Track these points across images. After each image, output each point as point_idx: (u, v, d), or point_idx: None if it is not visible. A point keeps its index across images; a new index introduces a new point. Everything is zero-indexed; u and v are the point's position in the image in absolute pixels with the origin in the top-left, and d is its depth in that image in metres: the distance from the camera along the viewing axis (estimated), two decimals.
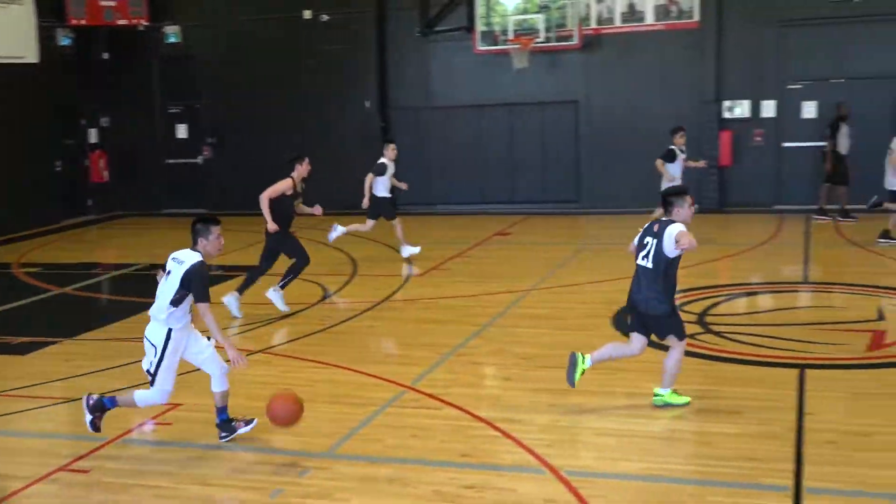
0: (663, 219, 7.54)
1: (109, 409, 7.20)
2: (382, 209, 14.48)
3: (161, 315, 6.89)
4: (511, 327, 10.59)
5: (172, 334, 6.90)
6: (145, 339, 7.01)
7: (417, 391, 8.32)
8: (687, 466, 6.67)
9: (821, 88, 18.22)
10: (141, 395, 7.12)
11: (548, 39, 18.86)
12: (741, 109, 18.63)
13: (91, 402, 7.16)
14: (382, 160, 14.48)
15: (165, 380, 6.97)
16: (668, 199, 7.52)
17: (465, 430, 7.36)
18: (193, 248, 6.99)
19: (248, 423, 7.23)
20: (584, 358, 7.69)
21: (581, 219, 19.24)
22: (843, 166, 16.75)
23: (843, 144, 16.76)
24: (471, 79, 20.12)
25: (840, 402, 7.69)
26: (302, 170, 11.50)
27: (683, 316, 10.41)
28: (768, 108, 18.51)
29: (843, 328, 9.81)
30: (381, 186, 14.43)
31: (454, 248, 15.58)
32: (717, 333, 9.86)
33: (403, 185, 15.08)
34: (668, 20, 18.85)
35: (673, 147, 14.98)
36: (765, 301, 11.65)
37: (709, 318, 10.46)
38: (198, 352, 7.11)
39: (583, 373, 7.69)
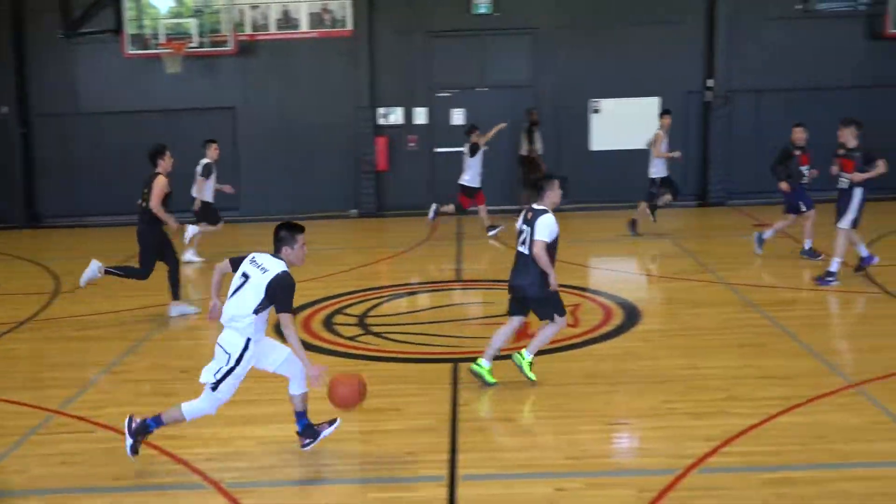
0: (535, 206, 7.96)
1: (153, 431, 6.66)
2: (206, 213, 14.21)
3: (240, 323, 6.44)
4: (170, 340, 10.24)
5: (250, 345, 6.48)
6: (218, 347, 6.51)
7: (66, 415, 7.80)
8: (350, 466, 6.78)
9: (467, 96, 19.31)
10: (190, 408, 6.61)
11: (202, 44, 18.48)
12: (395, 116, 19.31)
13: (134, 425, 6.60)
14: (207, 161, 14.15)
15: (227, 390, 6.54)
16: (539, 185, 7.99)
17: (120, 451, 6.97)
18: (276, 255, 6.52)
19: (331, 423, 6.84)
20: (521, 356, 8.19)
21: (241, 227, 18.98)
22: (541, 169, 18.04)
23: (539, 148, 18.00)
24: (122, 84, 19.26)
25: (489, 391, 8.16)
26: (166, 164, 10.97)
27: (344, 319, 10.66)
28: (420, 115, 19.33)
29: (492, 322, 10.42)
30: (207, 190, 14.15)
31: (107, 260, 14.75)
32: (377, 334, 10.12)
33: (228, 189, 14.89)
34: (322, 28, 19.12)
35: (476, 143, 15.73)
36: (421, 300, 12.11)
37: (369, 320, 10.71)
38: (275, 358, 6.68)
39: (531, 365, 8.16)
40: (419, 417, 7.56)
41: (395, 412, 7.67)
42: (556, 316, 8.17)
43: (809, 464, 6.51)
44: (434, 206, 16.29)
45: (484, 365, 8.22)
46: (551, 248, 7.95)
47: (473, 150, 15.90)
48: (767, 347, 9.25)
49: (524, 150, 18.29)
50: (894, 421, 7.22)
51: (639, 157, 18.63)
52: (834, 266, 11.77)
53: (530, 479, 6.40)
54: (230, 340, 6.49)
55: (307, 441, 6.79)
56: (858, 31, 18.91)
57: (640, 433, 7.30)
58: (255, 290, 6.40)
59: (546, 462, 6.66)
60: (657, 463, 6.61)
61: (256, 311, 6.40)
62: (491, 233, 15.88)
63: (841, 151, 11.81)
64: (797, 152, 13.04)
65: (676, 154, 15.55)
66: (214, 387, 6.51)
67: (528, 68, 19.17)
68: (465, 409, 7.72)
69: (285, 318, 6.35)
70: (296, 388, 6.75)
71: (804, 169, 12.98)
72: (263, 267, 6.45)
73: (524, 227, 8.01)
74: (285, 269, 6.44)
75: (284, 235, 6.54)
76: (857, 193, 11.68)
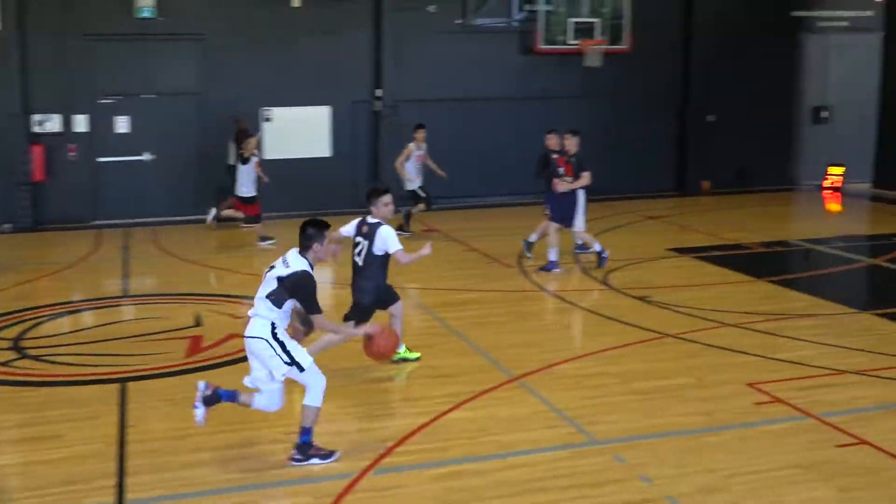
0: (369, 220, 8.39)
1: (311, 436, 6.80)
2: None
3: (261, 310, 6.69)
4: None
5: (277, 325, 6.68)
6: (253, 343, 6.68)
7: None
8: (5, 503, 6.26)
9: (133, 103, 18.52)
10: (311, 399, 6.74)
11: None
12: (52, 123, 18.10)
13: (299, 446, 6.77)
14: None
15: (303, 356, 6.71)
16: (369, 199, 8.40)
17: None
18: (303, 253, 6.79)
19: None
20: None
21: None
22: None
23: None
24: None
25: (160, 410, 7.88)
26: None
27: None
28: (81, 123, 18.26)
29: (163, 338, 10.07)
30: None
31: None
32: (36, 357, 9.44)
33: None
34: None
35: (247, 154, 15.64)
36: (86, 318, 11.42)
37: (25, 343, 9.96)
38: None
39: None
40: (84, 443, 7.14)
41: (57, 439, 7.19)
42: (355, 326, 8.38)
43: (476, 456, 6.87)
44: (213, 212, 16.16)
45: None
46: (384, 261, 8.44)
47: (245, 160, 15.75)
48: (438, 347, 9.65)
49: (232, 160, 17.89)
50: (552, 410, 7.79)
51: (311, 165, 18.89)
52: (597, 246, 13.15)
53: (203, 497, 6.24)
54: (258, 329, 6.67)
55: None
56: (513, 47, 20.26)
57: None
58: (270, 280, 6.73)
59: (219, 478, 6.53)
60: (334, 468, 6.69)
61: (273, 301, 6.68)
62: (265, 243, 15.61)
63: (554, 157, 13.12)
64: (554, 156, 13.79)
65: (409, 177, 16.10)
66: (300, 368, 6.68)
67: (196, 75, 18.70)
68: (134, 431, 7.39)
69: (319, 320, 6.86)
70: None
71: (561, 170, 13.56)
72: (287, 261, 6.80)
73: (360, 239, 8.40)
74: (306, 268, 6.74)
75: (314, 233, 6.80)
76: (581, 196, 13.06)
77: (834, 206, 20.31)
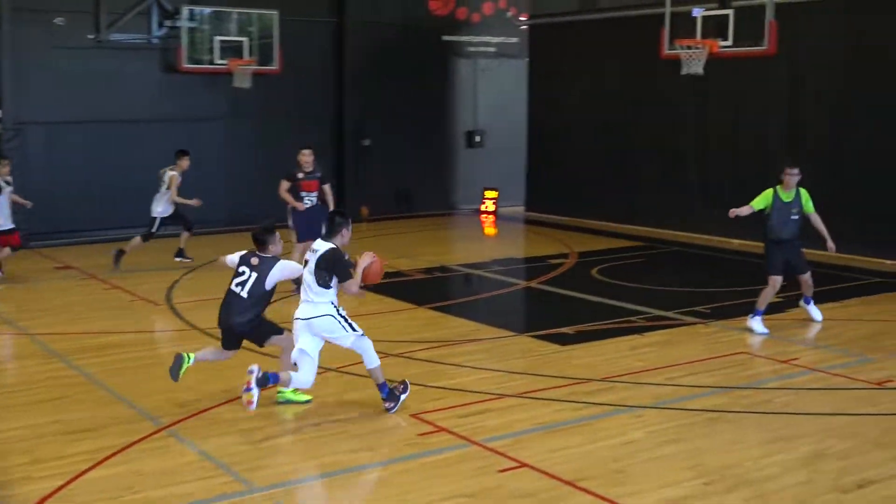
0: (262, 254, 8.56)
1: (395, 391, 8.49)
2: None
3: (319, 298, 8.19)
4: None
5: (335, 303, 8.27)
6: (317, 322, 8.19)
7: None
8: None
9: None
10: (370, 361, 8.39)
11: None
12: None
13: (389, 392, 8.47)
14: None
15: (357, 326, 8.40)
16: (259, 238, 8.56)
17: None
18: (329, 238, 8.27)
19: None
20: (189, 357, 8.62)
21: None
22: None
23: None
24: None
25: None
26: None
27: None
28: None
29: None
30: None
31: None
32: None
33: None
34: None
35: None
36: None
37: None
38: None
39: (185, 369, 8.62)
40: None
41: None
42: (275, 337, 8.74)
43: None
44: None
45: (285, 391, 8.73)
46: (270, 294, 8.64)
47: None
48: (73, 399, 9.03)
49: None
50: (206, 458, 7.50)
51: None
52: None
53: None
54: (321, 309, 8.18)
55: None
56: (155, 65, 19.64)
57: None
58: (310, 268, 8.16)
59: None
60: None
61: (323, 285, 8.13)
62: None
63: (301, 175, 13.68)
64: (300, 174, 13.68)
65: (194, 202, 15.42)
66: (361, 334, 8.31)
67: None
68: None
69: (348, 285, 8.17)
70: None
71: (304, 195, 13.68)
72: (315, 249, 8.21)
73: (246, 269, 8.54)
74: (333, 246, 8.16)
75: (342, 221, 8.33)
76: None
77: (490, 229, 21.51)
